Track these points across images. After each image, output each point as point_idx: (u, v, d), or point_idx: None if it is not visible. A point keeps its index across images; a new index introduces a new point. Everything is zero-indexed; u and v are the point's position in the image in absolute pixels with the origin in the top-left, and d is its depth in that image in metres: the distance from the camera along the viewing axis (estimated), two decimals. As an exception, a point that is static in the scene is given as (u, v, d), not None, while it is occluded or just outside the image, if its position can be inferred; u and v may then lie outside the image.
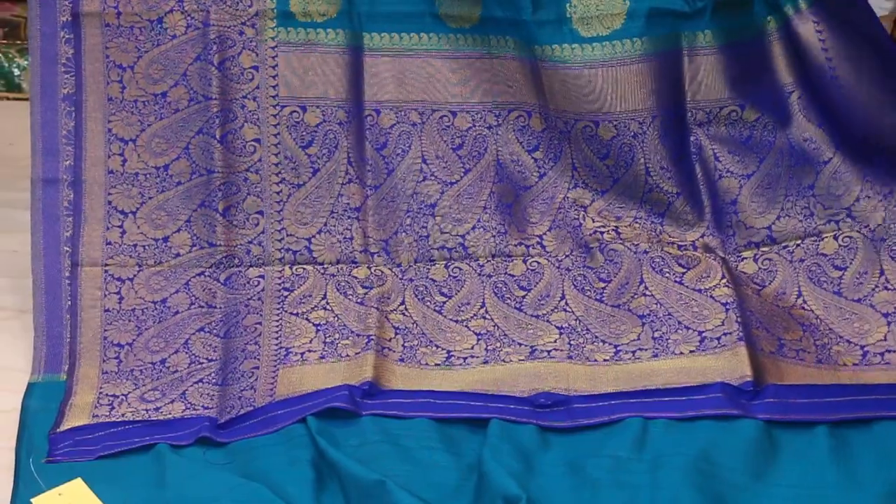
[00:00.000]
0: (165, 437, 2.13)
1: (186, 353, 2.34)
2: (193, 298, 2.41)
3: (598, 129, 2.49)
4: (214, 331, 2.38)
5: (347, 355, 2.31)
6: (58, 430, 2.16)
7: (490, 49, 2.53)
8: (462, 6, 2.51)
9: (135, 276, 2.41)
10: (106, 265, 2.40)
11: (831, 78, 2.43)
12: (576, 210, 2.54)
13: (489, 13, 2.50)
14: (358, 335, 2.35)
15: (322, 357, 2.32)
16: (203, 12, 2.45)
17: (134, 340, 2.35)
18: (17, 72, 3.22)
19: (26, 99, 3.16)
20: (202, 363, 2.32)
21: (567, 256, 2.50)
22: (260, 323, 2.39)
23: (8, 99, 3.24)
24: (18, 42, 3.24)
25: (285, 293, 2.45)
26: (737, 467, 2.03)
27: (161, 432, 2.15)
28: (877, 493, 1.98)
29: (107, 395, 2.26)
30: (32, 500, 2.00)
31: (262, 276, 2.47)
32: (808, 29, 2.42)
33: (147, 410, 2.22)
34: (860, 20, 2.38)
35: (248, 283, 2.45)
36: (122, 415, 2.21)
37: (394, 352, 2.33)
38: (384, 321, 2.39)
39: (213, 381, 2.28)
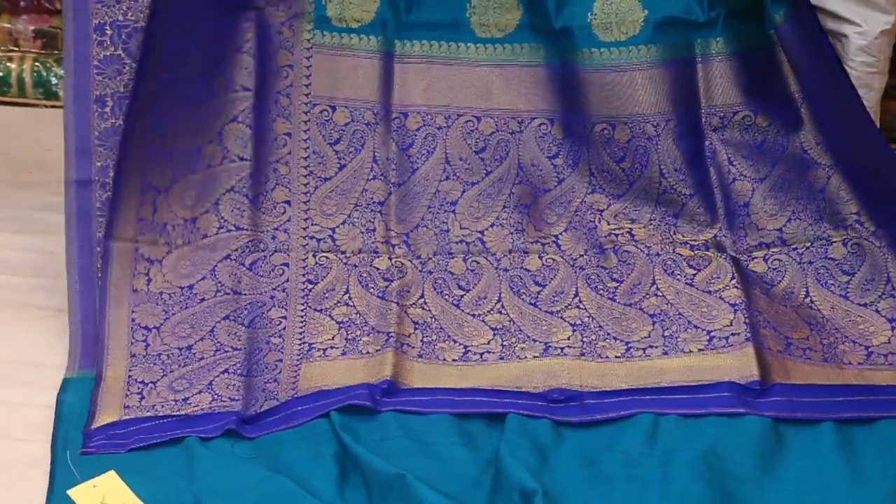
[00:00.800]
0: (194, 431, 2.12)
1: (212, 340, 2.32)
2: (219, 285, 2.39)
3: (615, 132, 2.49)
4: (239, 319, 2.36)
5: (368, 352, 2.30)
6: (91, 426, 2.15)
7: (517, 58, 2.54)
8: (498, 14, 2.52)
9: (163, 257, 2.39)
10: (137, 241, 2.38)
11: (809, 88, 2.43)
12: (592, 213, 2.53)
13: (523, 21, 2.52)
14: (378, 332, 2.33)
15: (343, 353, 2.31)
16: (252, 10, 2.46)
17: (161, 325, 2.34)
18: (54, 80, 3.21)
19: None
20: (227, 352, 2.30)
21: (581, 256, 2.49)
22: (284, 317, 2.37)
23: (45, 106, 3.23)
24: (56, 52, 3.23)
25: (309, 286, 2.43)
26: (745, 462, 2.01)
27: (190, 426, 2.14)
28: (884, 489, 1.95)
29: (136, 381, 2.24)
30: (68, 491, 2.00)
31: (287, 265, 2.45)
32: (788, 42, 2.42)
33: (176, 402, 2.20)
34: (819, 41, 2.38)
35: (273, 270, 2.43)
36: (153, 406, 2.20)
37: (413, 348, 2.32)
38: (404, 316, 2.37)
39: (239, 371, 2.26)
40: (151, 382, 2.25)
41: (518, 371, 2.26)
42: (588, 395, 2.18)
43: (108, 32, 2.36)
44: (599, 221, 2.52)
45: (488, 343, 2.34)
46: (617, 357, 2.28)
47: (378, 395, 2.17)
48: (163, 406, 2.20)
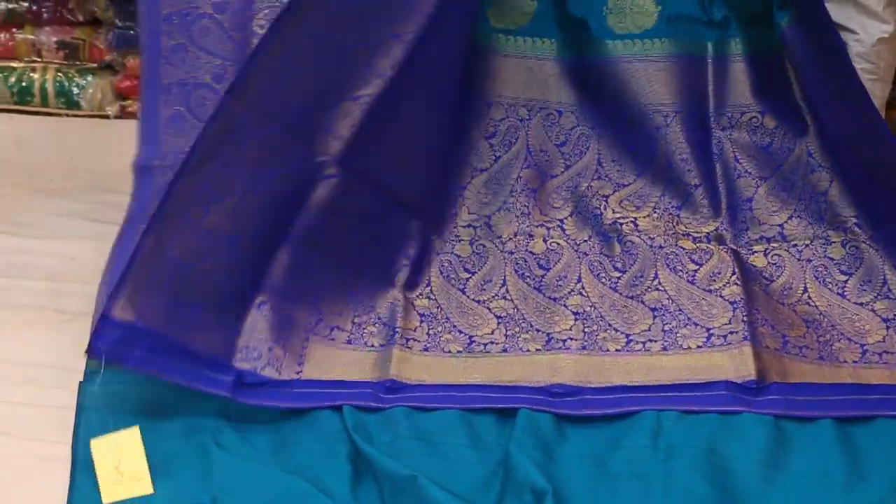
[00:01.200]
0: (197, 379, 2.08)
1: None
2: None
3: (625, 121, 2.49)
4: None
5: (373, 345, 2.27)
6: (111, 312, 2.04)
7: (528, 51, 2.53)
8: (513, 7, 2.51)
9: None
10: None
11: (813, 92, 2.42)
12: (598, 200, 2.51)
13: (538, 13, 2.51)
14: (385, 325, 2.31)
15: (349, 342, 2.28)
16: None
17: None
18: (76, 90, 3.20)
19: (86, 116, 3.20)
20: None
21: (585, 241, 2.48)
22: None
23: (67, 116, 3.23)
24: (78, 63, 3.23)
25: None
26: (747, 458, 1.99)
27: (190, 369, 2.09)
28: (883, 486, 1.94)
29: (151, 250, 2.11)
30: (92, 441, 2.02)
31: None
32: (794, 46, 2.40)
33: (184, 308, 2.12)
34: (828, 44, 2.35)
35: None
36: (172, 295, 2.10)
37: (418, 342, 2.29)
38: (410, 309, 2.35)
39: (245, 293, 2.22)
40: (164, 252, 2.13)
41: (519, 371, 2.23)
42: (588, 390, 2.16)
43: (175, 22, 2.35)
44: (605, 209, 2.51)
45: (492, 333, 2.32)
46: (617, 350, 2.26)
47: (381, 392, 2.15)
48: (175, 310, 2.11)
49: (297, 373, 2.20)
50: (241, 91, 2.16)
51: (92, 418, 2.10)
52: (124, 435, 2.05)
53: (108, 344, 2.03)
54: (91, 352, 2.04)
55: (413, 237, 2.44)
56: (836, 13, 2.43)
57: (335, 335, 2.29)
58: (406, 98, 2.30)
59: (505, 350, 2.28)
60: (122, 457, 2.01)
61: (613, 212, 2.51)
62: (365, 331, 2.30)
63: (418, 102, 2.35)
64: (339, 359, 2.25)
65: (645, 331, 2.29)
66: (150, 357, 2.07)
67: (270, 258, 2.26)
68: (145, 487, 1.99)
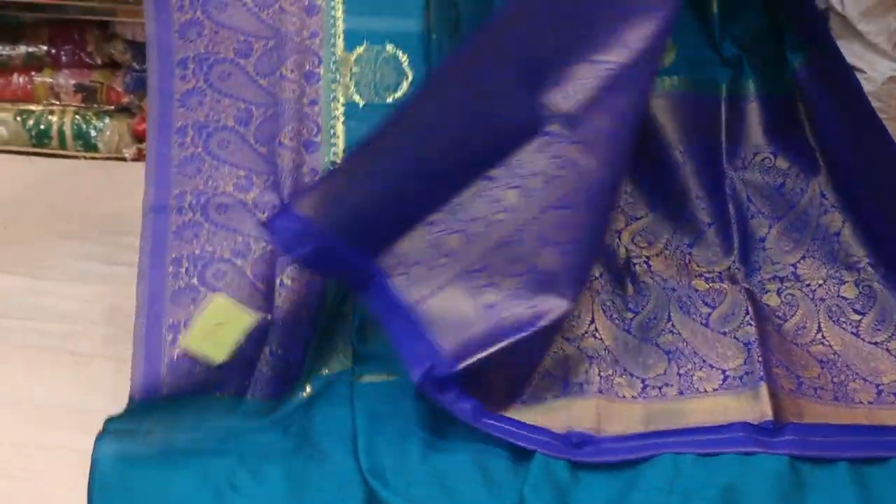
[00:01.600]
0: (343, 276, 2.16)
1: None
2: None
3: (642, 157, 2.43)
4: None
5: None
6: (295, 205, 2.08)
7: None
8: None
9: None
10: None
11: (827, 133, 2.40)
12: (610, 236, 2.47)
13: None
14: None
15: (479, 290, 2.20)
16: None
17: None
18: (94, 133, 3.21)
19: (103, 159, 3.21)
20: None
21: (597, 279, 2.42)
22: None
23: (86, 158, 3.24)
24: (95, 106, 3.24)
25: None
26: (762, 499, 1.96)
27: (343, 272, 2.15)
28: None
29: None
30: (218, 295, 2.14)
31: None
32: (807, 86, 2.39)
33: (368, 215, 2.13)
34: (844, 82, 2.33)
35: None
36: (354, 200, 2.12)
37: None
38: None
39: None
40: None
41: (538, 414, 2.18)
42: (605, 440, 2.11)
43: (191, 66, 2.33)
44: (618, 246, 2.47)
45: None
46: (634, 397, 2.21)
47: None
48: (354, 218, 2.13)
49: (415, 299, 2.15)
50: (490, 32, 2.13)
51: (106, 465, 2.06)
52: (242, 318, 2.12)
53: (283, 233, 2.08)
54: (267, 226, 2.12)
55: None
56: (845, 52, 2.41)
57: (462, 285, 2.18)
58: (643, 79, 2.18)
59: (524, 402, 2.23)
60: (227, 323, 2.09)
61: (626, 249, 2.47)
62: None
63: (644, 87, 2.23)
64: (441, 302, 2.15)
65: (660, 374, 2.25)
66: (313, 257, 2.10)
67: (459, 192, 2.16)
68: (217, 356, 2.10)
